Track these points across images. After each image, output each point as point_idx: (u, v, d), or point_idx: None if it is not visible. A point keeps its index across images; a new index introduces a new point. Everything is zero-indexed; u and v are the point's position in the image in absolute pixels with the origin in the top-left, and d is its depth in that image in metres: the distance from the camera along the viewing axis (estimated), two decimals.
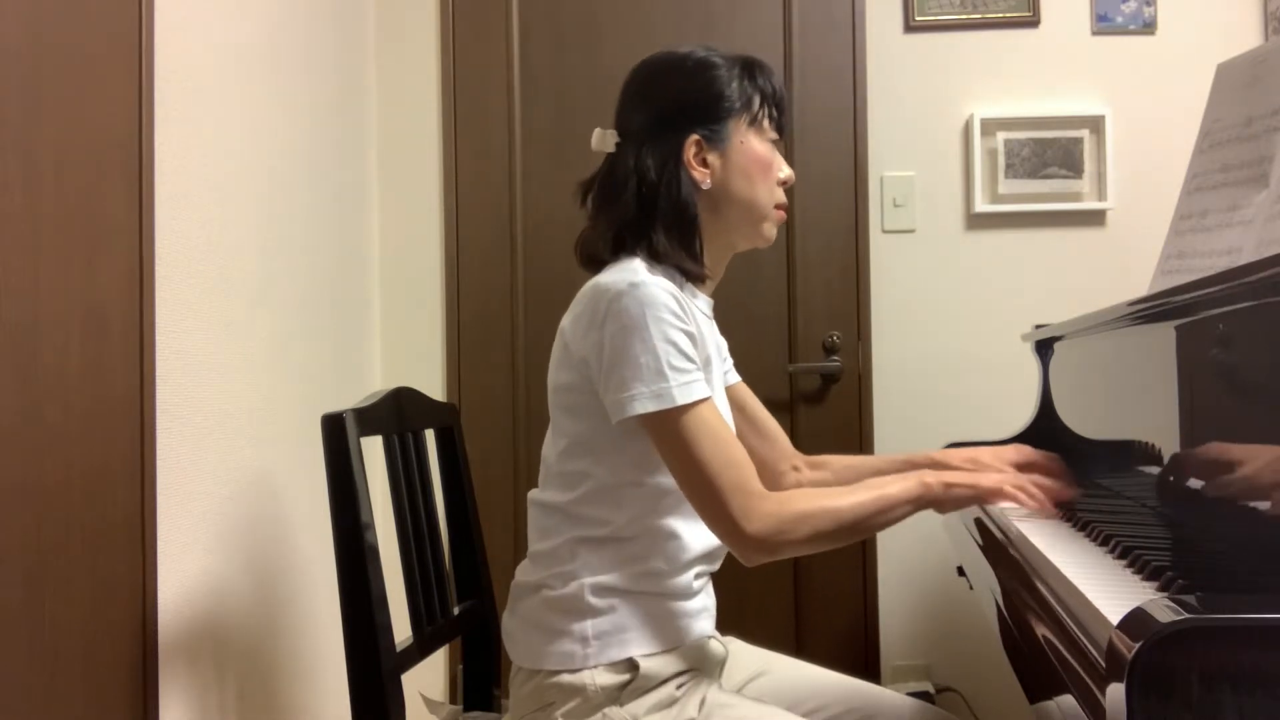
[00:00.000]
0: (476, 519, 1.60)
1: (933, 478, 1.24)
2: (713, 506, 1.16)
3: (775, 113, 1.35)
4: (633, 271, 1.21)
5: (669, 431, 1.17)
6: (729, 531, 1.16)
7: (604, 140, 1.35)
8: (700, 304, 1.32)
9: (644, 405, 1.16)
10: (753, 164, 1.32)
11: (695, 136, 1.30)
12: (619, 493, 1.24)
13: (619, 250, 1.30)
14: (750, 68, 1.34)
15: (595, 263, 1.33)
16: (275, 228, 1.80)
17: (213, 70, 1.58)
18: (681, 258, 1.28)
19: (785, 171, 1.36)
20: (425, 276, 2.44)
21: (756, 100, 1.32)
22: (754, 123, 1.33)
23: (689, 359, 1.19)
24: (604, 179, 1.35)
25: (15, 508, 1.10)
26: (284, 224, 1.84)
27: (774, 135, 1.35)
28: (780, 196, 1.36)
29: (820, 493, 1.22)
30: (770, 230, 1.36)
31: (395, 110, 2.45)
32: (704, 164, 1.30)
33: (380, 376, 2.42)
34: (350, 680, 1.24)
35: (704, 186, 1.30)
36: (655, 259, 1.26)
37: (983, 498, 1.27)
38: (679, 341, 1.18)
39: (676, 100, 1.32)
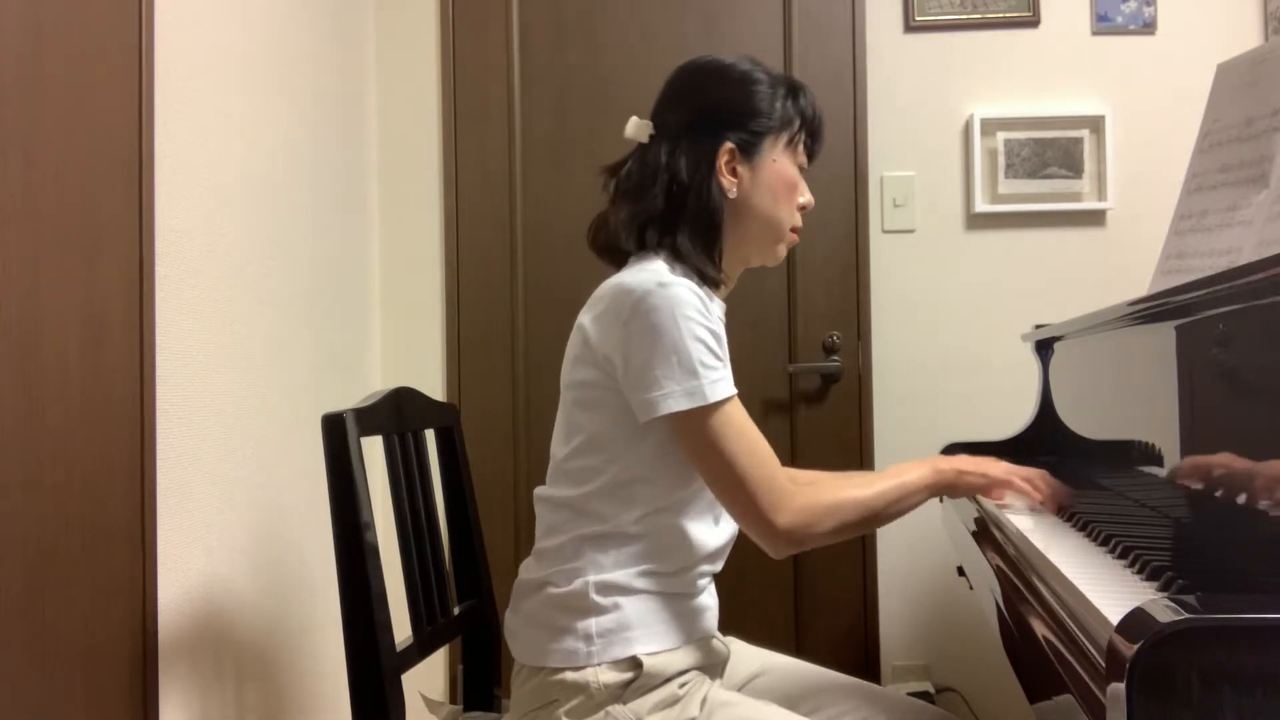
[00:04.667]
0: (476, 519, 1.60)
1: (946, 464, 1.31)
2: (743, 502, 1.19)
3: (809, 139, 1.37)
4: (657, 272, 1.22)
5: (700, 429, 1.19)
6: (759, 525, 1.19)
7: (639, 129, 1.35)
8: (716, 308, 1.33)
9: (677, 403, 1.17)
10: (779, 183, 1.34)
11: (730, 145, 1.31)
12: (630, 489, 1.24)
13: (641, 244, 1.30)
14: (794, 90, 1.35)
15: (611, 250, 1.33)
16: (275, 227, 1.80)
17: (213, 70, 1.58)
18: (702, 261, 1.29)
19: (806, 197, 1.38)
20: (425, 276, 2.44)
21: (796, 123, 1.34)
22: (789, 144, 1.34)
23: (717, 357, 1.21)
24: (634, 169, 1.35)
25: (15, 508, 1.10)
26: (284, 223, 1.84)
27: (804, 160, 1.37)
28: (798, 220, 1.38)
29: (843, 483, 1.26)
30: (782, 250, 1.39)
31: (395, 110, 2.45)
32: (734, 173, 1.31)
33: (380, 376, 2.42)
34: (350, 680, 1.24)
35: (730, 195, 1.31)
36: (676, 259, 1.27)
37: (993, 484, 1.33)
38: (707, 340, 1.20)
39: (719, 106, 1.33)
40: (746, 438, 1.20)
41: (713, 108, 1.33)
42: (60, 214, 1.19)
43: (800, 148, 1.36)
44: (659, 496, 1.25)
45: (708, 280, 1.30)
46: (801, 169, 1.38)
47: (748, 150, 1.32)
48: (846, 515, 1.21)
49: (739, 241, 1.34)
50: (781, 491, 1.19)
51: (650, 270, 1.23)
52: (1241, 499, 0.98)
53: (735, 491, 1.19)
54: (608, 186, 1.37)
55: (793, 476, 1.54)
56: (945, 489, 1.31)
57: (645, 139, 1.35)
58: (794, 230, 1.38)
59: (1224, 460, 1.03)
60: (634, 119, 1.36)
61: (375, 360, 2.42)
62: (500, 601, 1.46)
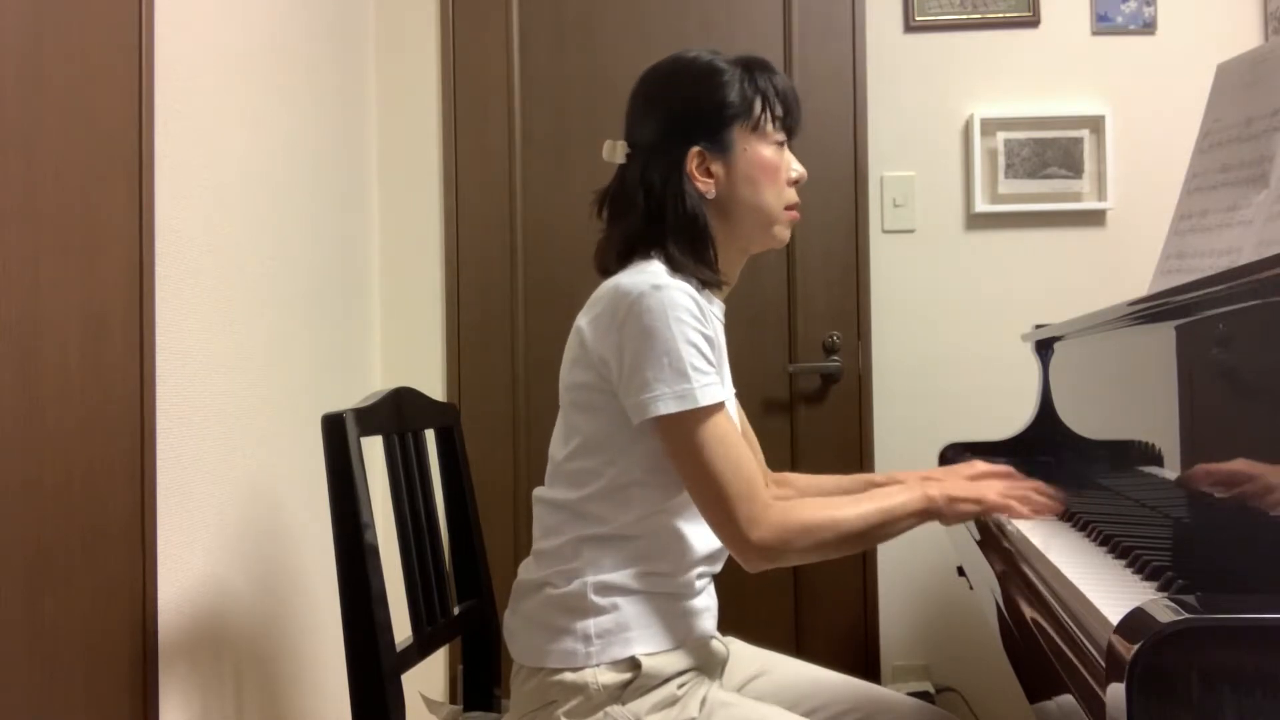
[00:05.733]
0: (476, 519, 1.60)
1: (936, 490, 1.23)
2: (720, 512, 1.17)
3: (780, 112, 1.33)
4: (653, 274, 1.21)
5: (685, 433, 1.17)
6: (734, 537, 1.17)
7: (614, 151, 1.34)
8: (715, 310, 1.32)
9: (666, 406, 1.16)
10: (757, 170, 1.31)
11: (697, 148, 1.29)
12: (627, 492, 1.24)
13: (627, 261, 1.29)
14: (751, 69, 1.32)
15: (609, 274, 1.32)
16: (276, 227, 1.80)
17: (213, 70, 1.58)
18: (697, 268, 1.27)
19: (795, 171, 1.35)
20: (425, 276, 2.44)
21: (758, 103, 1.31)
22: (757, 128, 1.31)
23: (709, 362, 1.20)
24: (615, 191, 1.34)
25: (15, 508, 1.10)
26: (284, 224, 1.84)
27: (780, 137, 1.34)
28: (791, 197, 1.35)
29: (825, 503, 1.21)
30: (783, 232, 1.36)
31: (395, 110, 2.45)
32: (708, 173, 1.30)
33: (380, 376, 2.42)
34: (350, 680, 1.24)
35: (709, 196, 1.30)
36: (673, 268, 1.26)
37: (988, 510, 1.26)
38: (699, 344, 1.19)
39: (678, 111, 1.31)
40: (731, 447, 1.18)
41: (674, 113, 1.31)
42: (60, 214, 1.19)
43: (771, 126, 1.32)
44: (656, 500, 1.24)
45: (708, 284, 1.29)
46: (783, 145, 1.34)
47: (716, 147, 1.29)
48: (824, 535, 1.17)
49: (732, 237, 1.33)
50: (760, 505, 1.16)
51: (647, 272, 1.22)
52: (1242, 500, 0.97)
53: (714, 500, 1.17)
54: (600, 214, 1.36)
55: (786, 480, 1.54)
56: (936, 517, 1.23)
57: (622, 159, 1.33)
58: (791, 208, 1.35)
59: (1224, 462, 1.03)
60: (608, 142, 1.35)
61: (375, 360, 2.42)
62: (500, 601, 1.46)
